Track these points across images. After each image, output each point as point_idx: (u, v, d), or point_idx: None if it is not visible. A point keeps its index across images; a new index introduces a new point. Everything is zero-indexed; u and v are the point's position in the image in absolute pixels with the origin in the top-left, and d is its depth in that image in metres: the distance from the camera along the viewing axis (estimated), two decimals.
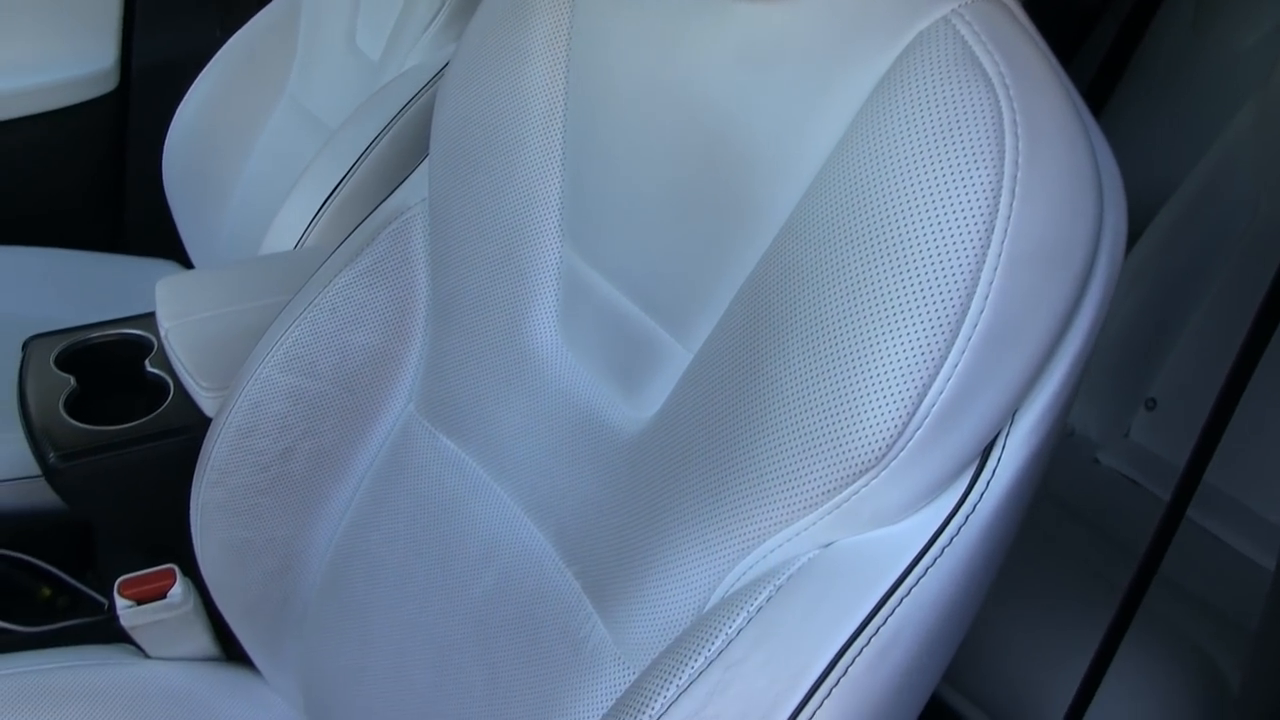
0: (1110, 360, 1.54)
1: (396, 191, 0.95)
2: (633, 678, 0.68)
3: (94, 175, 1.89)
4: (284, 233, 1.35)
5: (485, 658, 0.80)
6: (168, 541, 1.08)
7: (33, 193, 1.85)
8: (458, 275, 0.87)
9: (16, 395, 1.17)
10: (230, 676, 1.10)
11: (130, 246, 1.92)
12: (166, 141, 1.70)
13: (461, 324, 0.87)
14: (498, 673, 0.78)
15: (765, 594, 0.58)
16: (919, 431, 0.55)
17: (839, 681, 0.55)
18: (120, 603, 1.03)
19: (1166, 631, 1.21)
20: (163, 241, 1.82)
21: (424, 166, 0.93)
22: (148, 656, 1.10)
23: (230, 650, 1.12)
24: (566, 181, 0.80)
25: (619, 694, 0.68)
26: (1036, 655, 1.21)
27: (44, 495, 1.30)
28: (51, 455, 1.08)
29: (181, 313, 1.17)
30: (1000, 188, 0.53)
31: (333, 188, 1.30)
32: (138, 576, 1.04)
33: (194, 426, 1.10)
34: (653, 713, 0.57)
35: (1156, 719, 1.15)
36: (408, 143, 1.30)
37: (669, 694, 0.57)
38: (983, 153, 0.54)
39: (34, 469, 1.27)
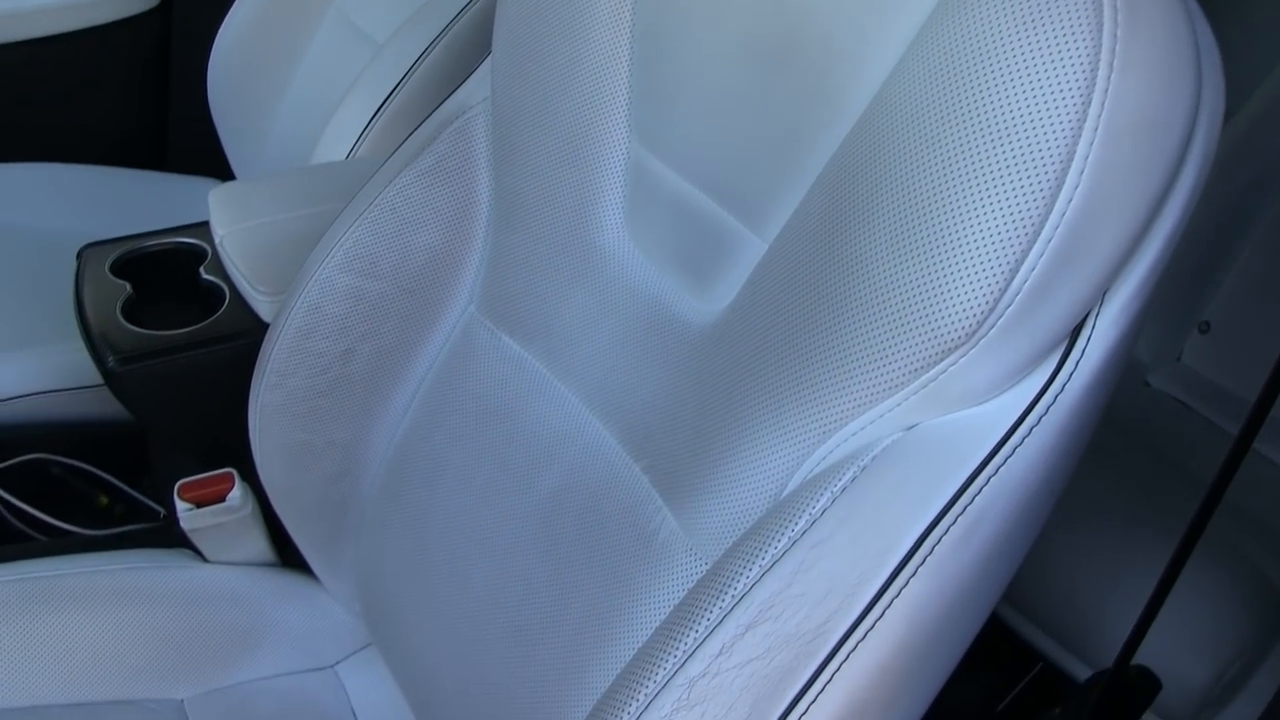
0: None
1: (457, 91, 0.93)
2: (705, 568, 0.68)
3: (138, 93, 1.89)
4: (334, 145, 1.34)
5: (549, 555, 0.79)
6: (225, 446, 1.09)
7: (78, 110, 1.85)
8: (521, 173, 0.86)
9: (74, 303, 1.17)
10: (287, 581, 1.11)
11: (175, 165, 1.92)
12: (211, 58, 1.69)
13: (525, 222, 0.86)
14: (562, 569, 0.78)
15: (849, 475, 0.58)
16: (1011, 308, 0.54)
17: (924, 561, 0.55)
18: (180, 505, 1.04)
19: (1224, 551, 1.20)
20: (207, 160, 1.82)
21: (485, 66, 0.92)
22: (205, 561, 1.10)
23: (286, 556, 1.13)
24: (635, 73, 0.79)
25: (691, 584, 0.68)
26: (1091, 575, 1.20)
27: (101, 405, 1.31)
28: (110, 359, 1.08)
29: (236, 220, 1.16)
30: (1098, 59, 0.52)
31: (384, 98, 1.29)
32: (197, 480, 1.04)
33: (250, 331, 1.10)
34: (736, 591, 0.57)
35: (1214, 637, 1.15)
36: (463, 48, 1.29)
37: (752, 574, 0.57)
38: (1081, 23, 0.52)
39: (91, 378, 1.28)
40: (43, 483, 1.24)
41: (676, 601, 0.68)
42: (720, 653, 0.56)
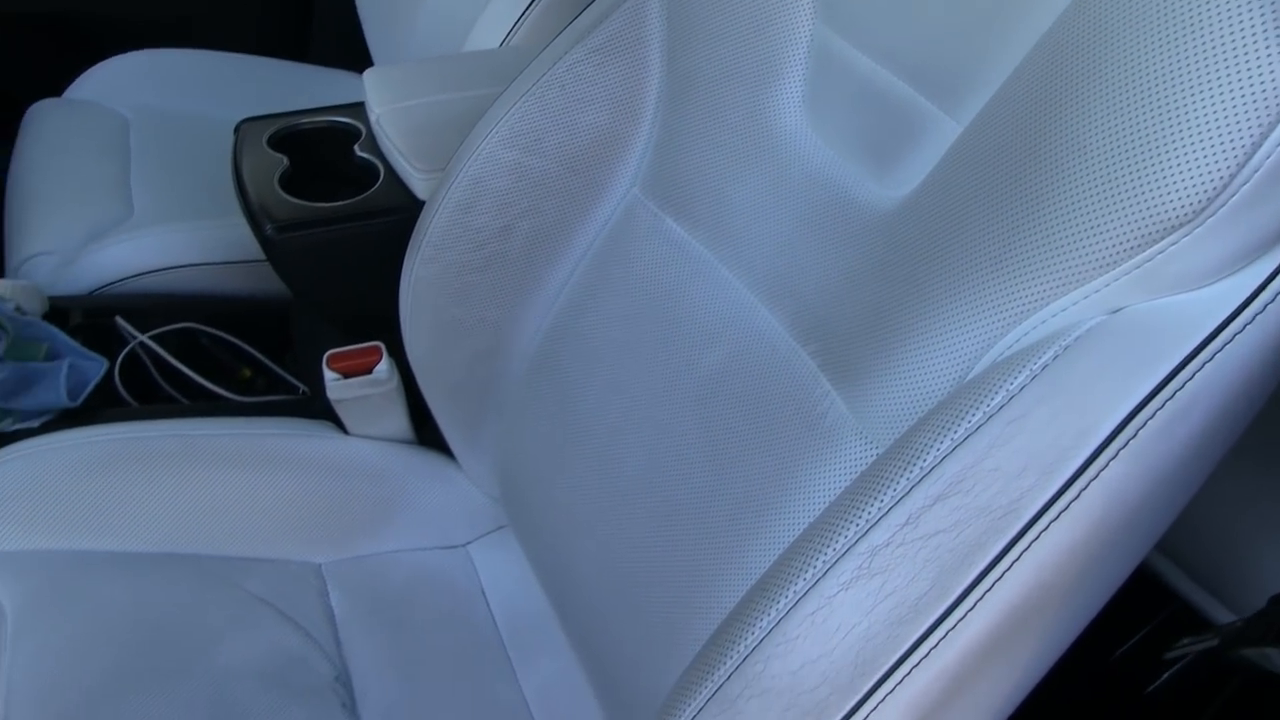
0: None
1: None
2: (875, 452, 0.67)
3: None
4: (487, 33, 1.34)
5: (706, 436, 0.79)
6: (372, 321, 1.10)
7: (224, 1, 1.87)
8: (698, 53, 0.85)
9: (232, 174, 1.19)
10: (425, 460, 1.12)
11: (317, 57, 1.93)
12: None
13: (698, 103, 0.85)
14: (720, 451, 0.78)
15: (1050, 354, 0.56)
16: (1245, 187, 0.51)
17: (1127, 444, 0.53)
18: (328, 375, 1.05)
19: None
20: (351, 52, 1.82)
21: None
22: (347, 434, 1.12)
23: (424, 436, 1.14)
24: None
25: (860, 469, 0.67)
26: (1248, 523, 1.17)
27: (249, 280, 1.33)
28: (268, 227, 1.10)
29: (392, 99, 1.17)
30: None
31: None
32: (346, 351, 1.05)
33: (404, 208, 1.10)
34: (926, 464, 0.56)
35: None
36: None
37: (943, 446, 0.56)
38: None
39: (242, 254, 1.30)
40: (191, 352, 1.26)
41: (843, 484, 0.68)
42: (906, 523, 0.55)
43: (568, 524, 0.90)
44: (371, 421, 1.10)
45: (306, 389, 1.26)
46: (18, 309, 1.20)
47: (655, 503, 0.81)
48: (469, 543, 1.11)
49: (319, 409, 1.15)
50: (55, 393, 1.13)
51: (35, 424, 1.13)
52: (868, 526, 0.56)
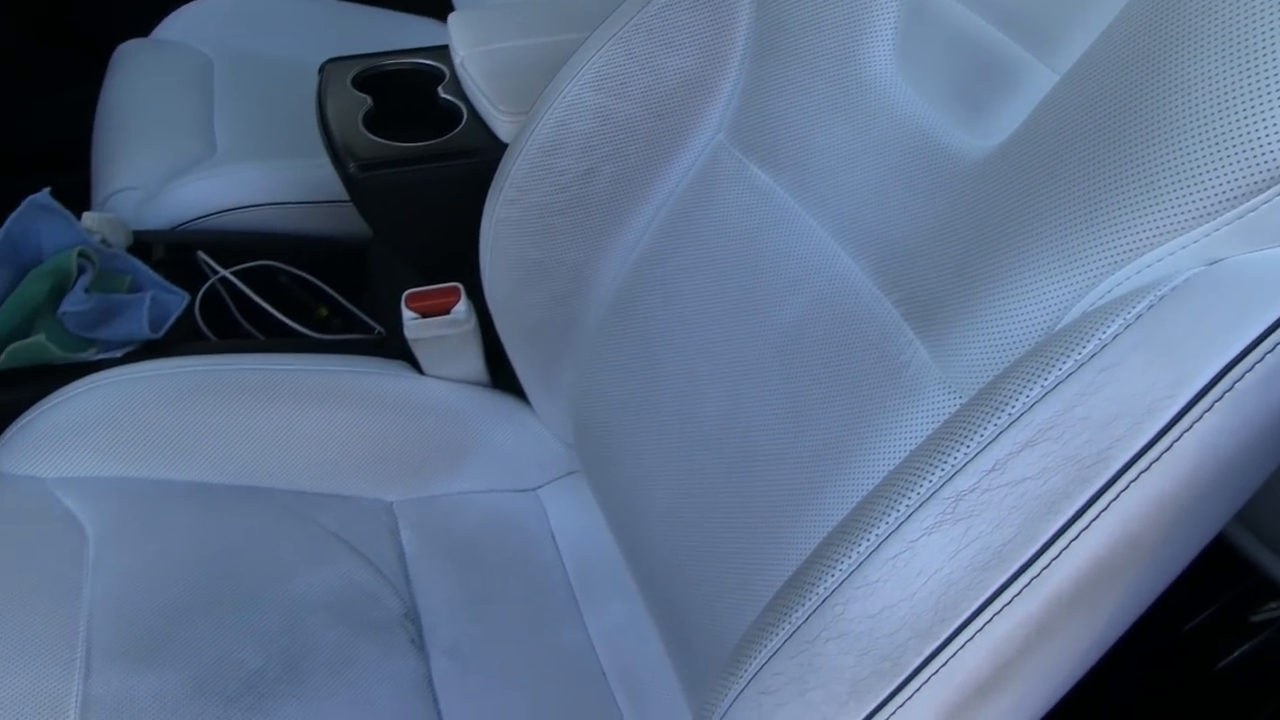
0: None
1: None
2: (958, 401, 0.67)
3: None
4: None
5: (787, 382, 0.78)
6: (449, 263, 1.10)
7: None
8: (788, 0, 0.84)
9: (316, 113, 1.19)
10: (498, 402, 1.13)
11: (398, 2, 1.94)
12: None
13: (787, 50, 0.84)
14: (800, 397, 0.77)
15: (1144, 304, 0.55)
16: None
17: (1223, 395, 0.52)
18: (406, 315, 1.06)
19: None
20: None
21: None
22: (422, 374, 1.13)
23: (498, 380, 1.15)
24: None
25: (942, 419, 0.66)
26: None
27: (329, 221, 1.34)
28: (351, 165, 1.10)
29: (477, 42, 1.17)
30: None
31: None
32: (425, 290, 1.06)
33: (486, 150, 1.11)
34: (1014, 410, 0.55)
35: None
36: None
37: (1032, 393, 0.55)
38: None
39: (322, 194, 1.31)
40: (269, 290, 1.28)
41: (924, 433, 0.67)
42: (993, 469, 0.54)
43: (642, 468, 0.90)
44: (447, 362, 1.11)
45: (382, 330, 1.27)
46: (103, 241, 1.21)
47: (732, 449, 0.81)
48: (539, 487, 1.12)
49: (394, 349, 1.16)
50: (138, 324, 1.15)
51: (117, 354, 1.15)
52: (953, 472, 0.55)
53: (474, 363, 1.11)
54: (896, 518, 0.56)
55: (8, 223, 1.17)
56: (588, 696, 0.95)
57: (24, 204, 1.18)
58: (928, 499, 0.55)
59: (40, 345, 1.11)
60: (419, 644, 0.95)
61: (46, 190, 1.19)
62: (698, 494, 0.83)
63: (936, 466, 0.56)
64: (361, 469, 1.07)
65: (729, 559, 0.79)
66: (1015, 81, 0.70)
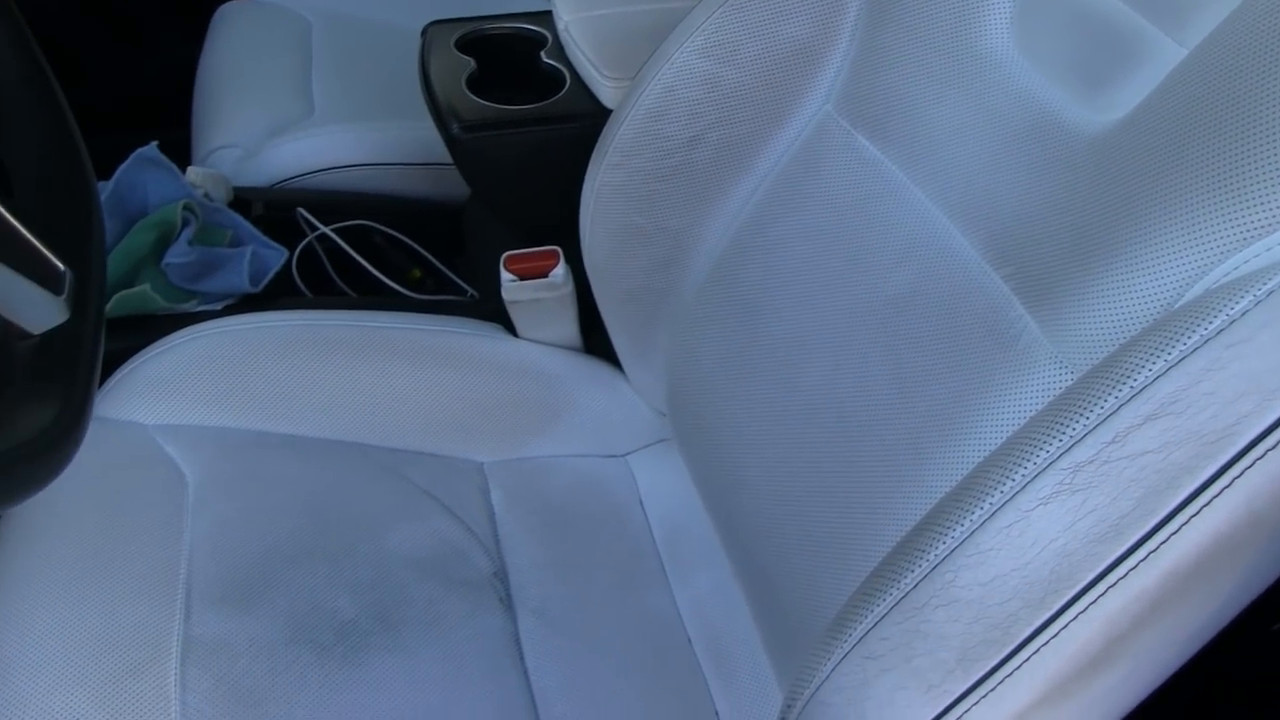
0: None
1: None
2: (1071, 378, 0.66)
3: None
4: None
5: (891, 354, 0.78)
6: (547, 227, 1.11)
7: None
8: None
9: (419, 74, 1.20)
10: (592, 368, 1.13)
11: None
12: None
13: (901, 21, 0.84)
14: (904, 369, 0.77)
15: (1276, 280, 0.54)
16: None
17: None
18: (505, 276, 1.06)
19: None
20: None
21: None
22: (516, 337, 1.13)
23: (590, 345, 1.15)
24: None
25: (1053, 394, 0.66)
26: None
27: (425, 183, 1.36)
28: (455, 126, 1.11)
29: (581, 8, 1.17)
30: None
31: None
32: (524, 253, 1.07)
33: (589, 115, 1.11)
34: (1137, 383, 0.54)
35: None
36: None
37: (1156, 367, 0.54)
38: None
39: (419, 157, 1.33)
40: (364, 249, 1.29)
41: (1035, 408, 0.67)
42: (1113, 441, 0.54)
43: (738, 436, 0.90)
44: (542, 326, 1.11)
45: (475, 293, 1.28)
46: (206, 196, 1.23)
47: (832, 419, 0.81)
48: (629, 453, 1.12)
49: (487, 312, 1.17)
50: (238, 277, 1.17)
51: (217, 307, 1.17)
52: (1071, 443, 0.55)
53: (568, 327, 1.12)
54: (1011, 487, 0.56)
55: (116, 175, 1.19)
56: (673, 662, 0.95)
57: (132, 157, 1.20)
58: (1044, 469, 0.55)
59: (145, 295, 1.13)
60: (507, 603, 0.96)
61: (154, 144, 1.21)
62: (795, 462, 0.83)
63: (1054, 437, 0.55)
64: (454, 428, 1.08)
65: (827, 529, 0.79)
66: (1139, 56, 0.69)
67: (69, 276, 0.67)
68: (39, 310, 0.65)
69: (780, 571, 0.84)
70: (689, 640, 0.97)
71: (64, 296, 0.67)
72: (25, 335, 0.65)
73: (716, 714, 0.92)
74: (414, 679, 0.88)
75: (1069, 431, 0.55)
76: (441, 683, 0.88)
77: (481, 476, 1.07)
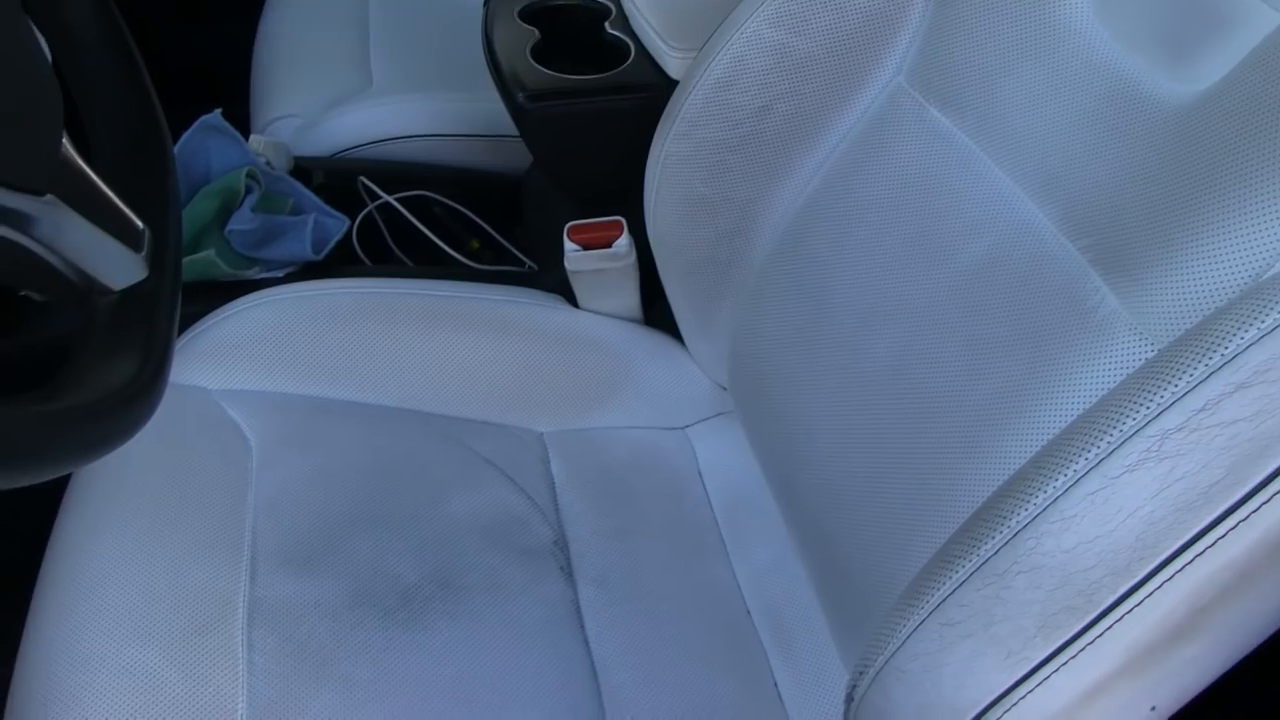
0: None
1: None
2: (1152, 349, 0.65)
3: None
4: None
5: (963, 325, 0.78)
6: (610, 197, 1.11)
7: None
8: None
9: (484, 44, 1.20)
10: (652, 340, 1.13)
11: None
12: None
13: None
14: (978, 340, 0.76)
15: None
16: None
17: None
18: (568, 246, 1.06)
19: None
20: None
21: None
22: (576, 308, 1.13)
23: (651, 317, 1.15)
24: None
25: (1134, 366, 0.65)
26: None
27: (484, 155, 1.36)
28: (520, 96, 1.11)
29: None
30: None
31: None
32: (588, 223, 1.07)
33: (654, 86, 1.11)
34: (1228, 351, 0.54)
35: None
36: None
37: (1248, 335, 0.54)
38: None
39: (480, 129, 1.33)
40: (423, 220, 1.29)
41: (1115, 379, 0.66)
42: (1203, 409, 0.53)
43: (804, 408, 0.90)
44: (604, 296, 1.11)
45: (533, 264, 1.28)
46: (267, 164, 1.24)
47: (903, 389, 0.80)
48: (688, 426, 1.12)
49: (547, 284, 1.17)
50: (301, 245, 1.17)
51: (279, 274, 1.18)
52: (1159, 410, 0.54)
53: (630, 298, 1.12)
54: (1097, 454, 0.55)
55: (180, 141, 1.20)
56: (733, 633, 0.95)
57: (196, 124, 1.21)
58: (1131, 436, 0.54)
59: (210, 260, 1.14)
60: (568, 571, 0.96)
61: (218, 111, 1.22)
62: (863, 434, 0.83)
63: (1141, 405, 0.55)
64: (514, 398, 1.08)
65: (897, 500, 0.78)
66: (1230, 23, 0.68)
67: (147, 234, 0.68)
68: (120, 267, 0.66)
69: (846, 544, 0.84)
70: (748, 612, 0.97)
71: (143, 254, 0.67)
72: (106, 291, 0.66)
73: (776, 685, 0.92)
74: (476, 644, 0.88)
75: (1157, 399, 0.55)
76: (503, 649, 0.88)
77: (541, 446, 1.07)
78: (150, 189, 0.73)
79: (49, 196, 0.60)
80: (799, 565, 0.97)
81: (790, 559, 0.98)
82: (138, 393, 0.62)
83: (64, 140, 0.63)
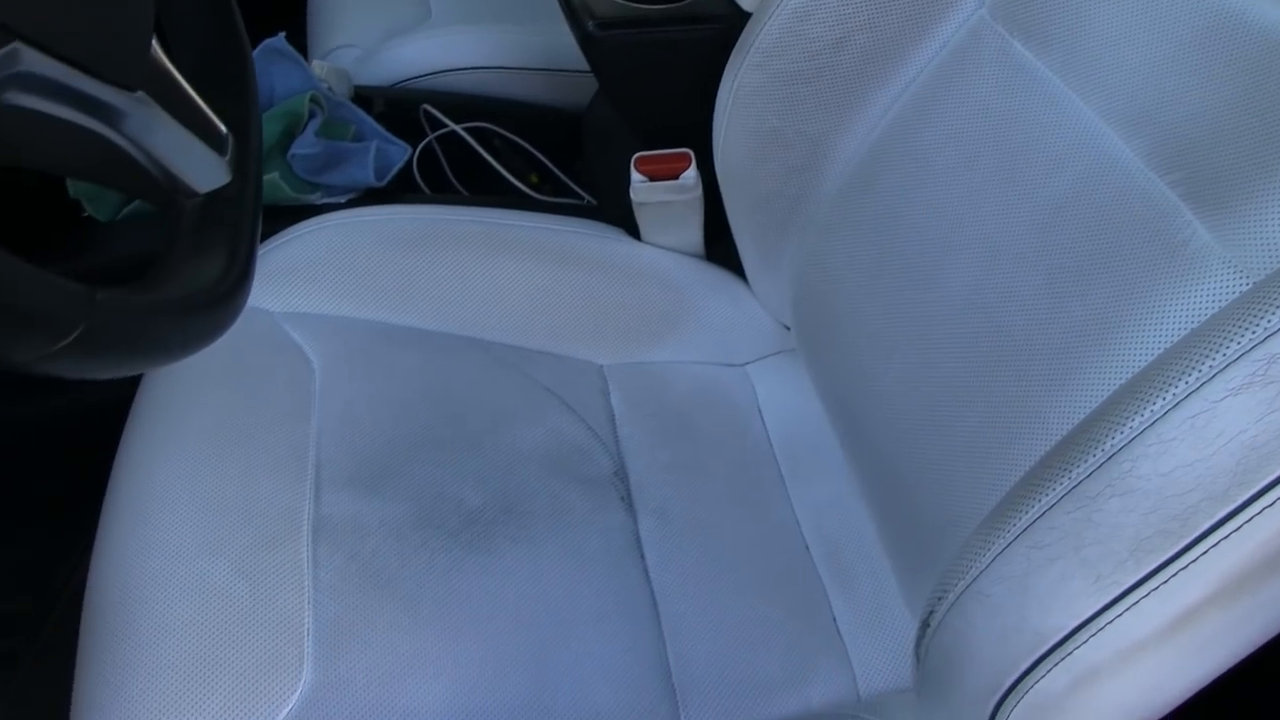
0: None
1: None
2: (1247, 282, 0.64)
3: None
4: None
5: (1044, 260, 0.77)
6: (675, 131, 1.10)
7: None
8: None
9: None
10: (714, 275, 1.13)
11: None
12: None
13: None
14: (1059, 275, 0.75)
15: None
16: None
17: None
18: (635, 177, 1.06)
19: None
20: None
21: None
22: (639, 241, 1.13)
23: (712, 254, 1.14)
24: None
25: (1228, 299, 0.64)
26: None
27: (545, 89, 1.35)
28: (590, 24, 1.10)
29: None
30: None
31: None
32: (655, 154, 1.06)
33: (725, 18, 1.10)
34: None
35: None
36: None
37: None
38: None
39: (541, 62, 1.32)
40: (485, 150, 1.29)
41: (1208, 312, 0.65)
42: None
43: (872, 344, 0.89)
44: (667, 230, 1.11)
45: (592, 199, 1.28)
46: (329, 89, 1.23)
47: (979, 322, 0.79)
48: (748, 363, 1.11)
49: (607, 218, 1.17)
50: (363, 171, 1.17)
51: (341, 200, 1.18)
52: (1266, 334, 0.53)
53: (694, 233, 1.11)
54: (1198, 377, 0.54)
55: None
56: (791, 568, 0.95)
57: (260, 47, 1.20)
58: (1235, 359, 0.54)
59: (274, 184, 1.13)
60: (628, 502, 0.96)
61: (282, 34, 1.21)
62: (936, 368, 0.82)
63: (1248, 328, 0.54)
64: (575, 329, 1.08)
65: (971, 433, 0.78)
66: None
67: (231, 140, 0.67)
68: (205, 169, 0.66)
69: (914, 480, 0.83)
70: (807, 548, 0.97)
71: (227, 158, 0.67)
72: (191, 194, 0.66)
73: (834, 619, 0.92)
74: (538, 569, 0.88)
75: (1264, 323, 0.54)
76: (565, 574, 0.89)
77: (602, 379, 1.07)
78: (233, 95, 0.72)
79: (140, 94, 0.60)
80: (859, 503, 0.96)
81: (850, 497, 0.98)
82: (225, 293, 0.62)
83: (153, 42, 0.62)
